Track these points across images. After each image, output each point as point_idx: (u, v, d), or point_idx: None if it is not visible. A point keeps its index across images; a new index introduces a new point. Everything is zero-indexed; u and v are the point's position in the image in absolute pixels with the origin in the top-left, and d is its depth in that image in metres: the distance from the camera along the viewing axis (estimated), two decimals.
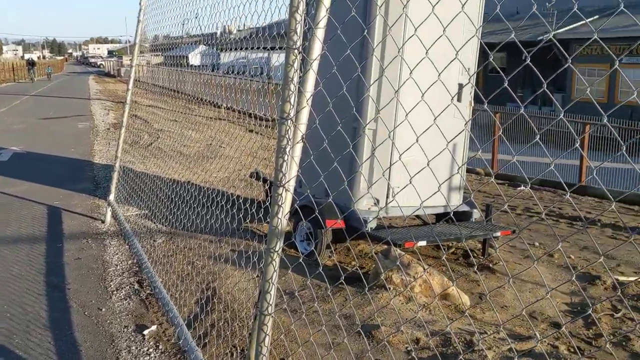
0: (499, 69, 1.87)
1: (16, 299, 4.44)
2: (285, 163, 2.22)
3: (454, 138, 1.94)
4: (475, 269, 5.38)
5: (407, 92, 4.76)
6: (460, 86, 5.41)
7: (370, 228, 5.08)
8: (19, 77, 47.35)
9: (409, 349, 3.65)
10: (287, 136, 2.22)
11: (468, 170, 10.76)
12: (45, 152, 11.60)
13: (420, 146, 1.96)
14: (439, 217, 6.00)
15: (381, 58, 4.81)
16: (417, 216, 6.10)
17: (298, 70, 2.24)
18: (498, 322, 4.14)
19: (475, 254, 5.85)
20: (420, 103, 2.00)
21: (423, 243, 4.93)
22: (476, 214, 5.86)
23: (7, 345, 3.68)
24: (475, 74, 4.18)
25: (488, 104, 1.95)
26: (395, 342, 3.73)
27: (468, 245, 6.03)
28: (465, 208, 5.83)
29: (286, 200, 2.24)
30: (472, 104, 5.76)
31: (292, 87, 2.21)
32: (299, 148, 2.24)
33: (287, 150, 2.22)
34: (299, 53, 2.21)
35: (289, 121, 2.22)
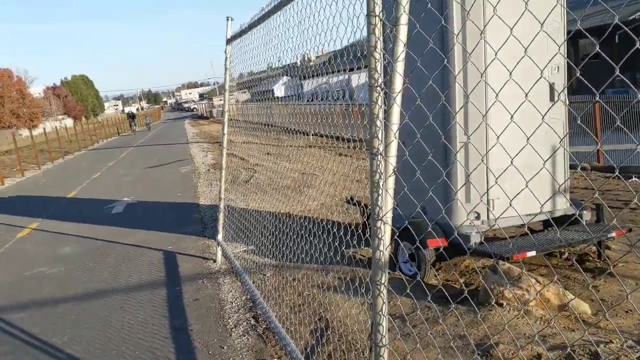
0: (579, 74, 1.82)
1: (145, 344, 4.77)
2: (380, 197, 2.28)
3: (549, 157, 1.91)
4: (593, 274, 5.11)
5: (498, 101, 4.68)
6: (552, 86, 5.23)
7: (474, 243, 4.98)
8: (122, 130, 51.14)
9: None
10: (379, 170, 2.28)
11: (572, 167, 10.25)
12: (154, 200, 12.40)
13: (514, 166, 1.94)
14: (547, 223, 5.76)
15: (464, 81, 4.77)
16: (523, 225, 5.91)
17: (383, 106, 2.30)
18: (623, 329, 3.91)
19: (590, 258, 5.55)
20: (513, 111, 1.99)
21: (532, 253, 4.76)
22: (587, 216, 5.57)
23: None
24: (565, 74, 4.04)
25: (583, 93, 1.91)
26: (516, 359, 3.62)
27: (582, 249, 5.73)
28: (574, 210, 5.56)
29: (385, 232, 2.29)
30: (567, 102, 5.54)
31: (378, 123, 2.27)
32: (391, 181, 2.29)
33: (381, 184, 2.28)
34: (381, 90, 2.28)
35: (379, 156, 2.28)
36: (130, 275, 6.91)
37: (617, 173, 1.59)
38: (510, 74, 1.83)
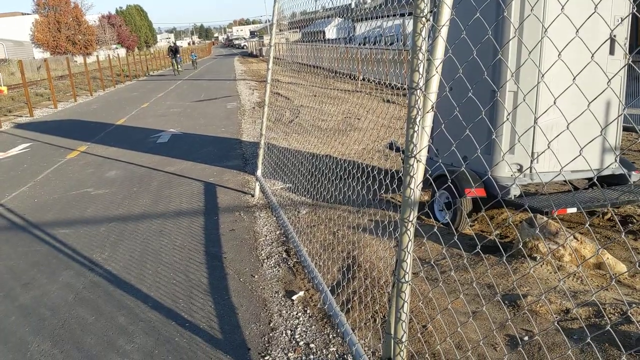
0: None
1: (180, 267, 4.95)
2: (415, 133, 2.23)
3: (595, 98, 1.81)
4: (635, 236, 4.95)
5: (551, 50, 4.47)
6: (613, 38, 4.94)
7: (514, 195, 4.89)
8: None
9: (557, 319, 3.51)
10: (416, 106, 2.22)
11: (626, 129, 9.81)
12: (198, 133, 12.58)
13: (558, 108, 1.85)
14: (592, 182, 5.59)
15: (519, 16, 4.54)
16: (567, 181, 5.74)
17: (427, 39, 2.22)
18: None
19: (635, 220, 5.38)
20: (568, 61, 1.88)
21: (573, 210, 4.64)
22: (635, 177, 5.37)
23: (174, 309, 4.13)
24: (629, 23, 3.80)
25: None
26: (543, 312, 3.60)
27: (627, 210, 5.55)
28: (622, 170, 5.36)
29: (418, 170, 2.25)
30: (628, 56, 5.23)
31: (420, 56, 2.19)
32: (429, 118, 2.23)
33: (417, 120, 2.22)
34: (426, 21, 2.19)
35: (418, 91, 2.21)
36: (171, 202, 7.11)
37: None
38: (563, 8, 1.72)
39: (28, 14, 68.81)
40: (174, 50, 36.27)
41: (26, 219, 6.74)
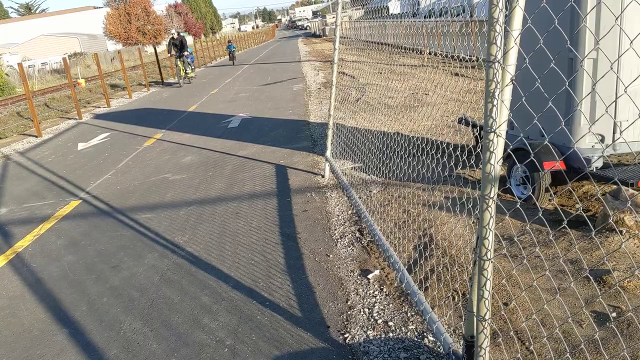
0: None
1: (257, 248, 5.08)
2: (494, 108, 2.18)
3: None
4: None
5: (633, 13, 4.22)
6: None
7: (596, 168, 4.68)
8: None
9: None
10: (495, 80, 2.17)
11: None
12: (267, 116, 12.76)
13: None
14: None
15: None
16: None
17: (503, 10, 2.15)
18: None
19: None
20: None
21: None
22: None
23: (254, 288, 4.26)
24: None
25: None
26: (631, 287, 3.45)
27: None
28: None
29: (498, 145, 2.20)
30: None
31: (497, 28, 2.13)
32: (508, 91, 2.17)
33: (496, 94, 2.16)
34: None
35: (497, 64, 2.15)
36: (245, 185, 7.28)
37: None
38: None
39: (100, 7, 71.60)
40: (177, 45, 22.22)
41: (111, 204, 7.12)
